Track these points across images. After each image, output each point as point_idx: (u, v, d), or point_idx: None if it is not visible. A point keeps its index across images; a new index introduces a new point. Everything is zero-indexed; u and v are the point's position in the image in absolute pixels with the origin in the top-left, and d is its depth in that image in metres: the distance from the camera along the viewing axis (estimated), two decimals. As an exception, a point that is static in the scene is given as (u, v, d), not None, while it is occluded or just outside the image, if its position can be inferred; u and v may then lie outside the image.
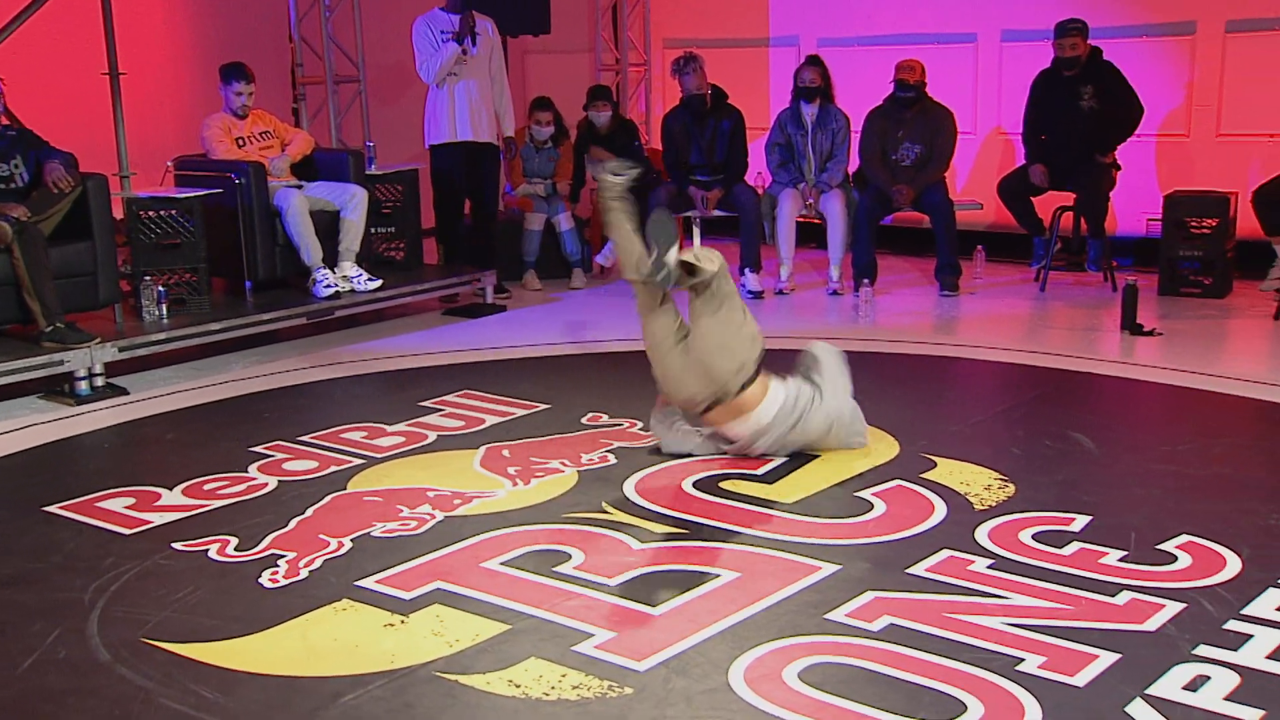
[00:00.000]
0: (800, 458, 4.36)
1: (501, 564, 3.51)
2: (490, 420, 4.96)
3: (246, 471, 4.39)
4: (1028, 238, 7.73)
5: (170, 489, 4.21)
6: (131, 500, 4.11)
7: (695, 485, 4.14)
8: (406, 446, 4.65)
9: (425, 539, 3.71)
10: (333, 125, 8.08)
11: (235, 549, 3.67)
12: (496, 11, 7.78)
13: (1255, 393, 5.17)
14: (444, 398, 5.31)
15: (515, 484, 4.20)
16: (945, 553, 3.53)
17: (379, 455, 4.55)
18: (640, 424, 4.80)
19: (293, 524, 3.87)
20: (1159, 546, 3.54)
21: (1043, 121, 7.47)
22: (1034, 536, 3.63)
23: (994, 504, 3.90)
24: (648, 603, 3.23)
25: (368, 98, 8.24)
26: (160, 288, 6.09)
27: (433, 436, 4.77)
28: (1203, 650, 2.92)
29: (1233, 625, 3.06)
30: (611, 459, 4.44)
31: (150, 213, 6.14)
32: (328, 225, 6.72)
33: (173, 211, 6.15)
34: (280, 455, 4.57)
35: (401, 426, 4.90)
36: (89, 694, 2.84)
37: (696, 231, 8.02)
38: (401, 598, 3.30)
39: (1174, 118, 7.90)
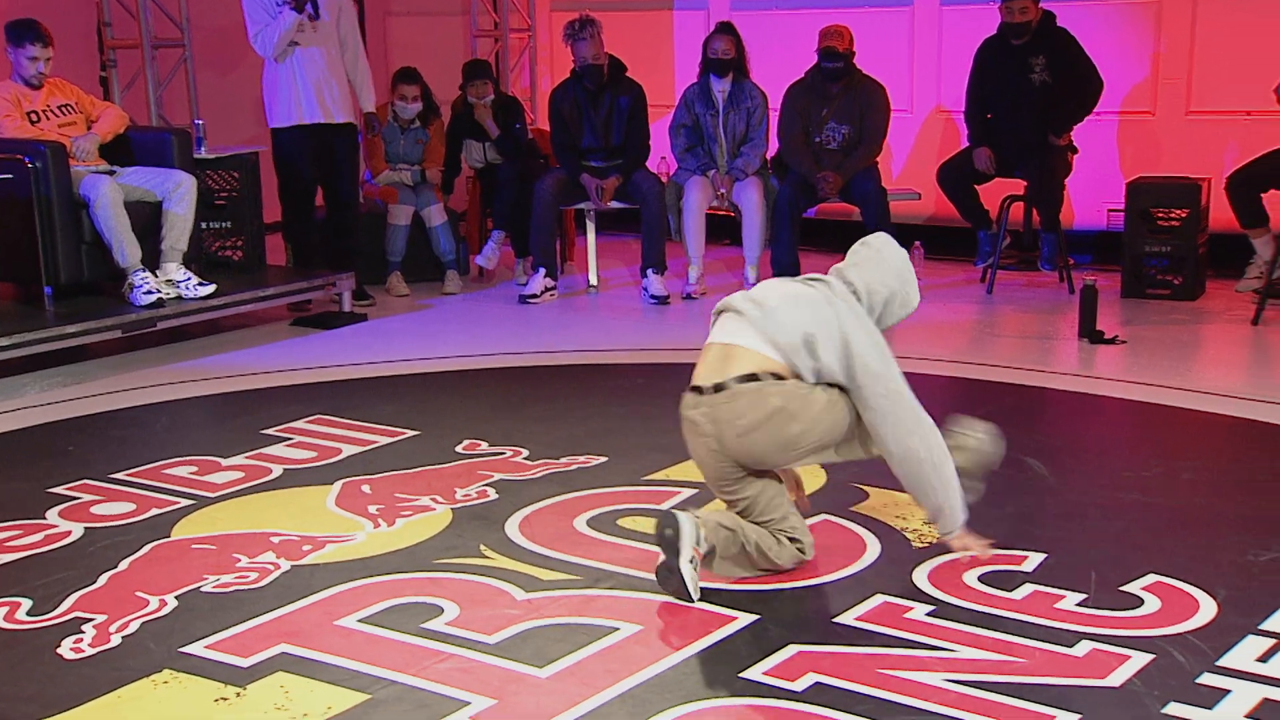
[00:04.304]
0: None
1: (360, 621, 3.48)
2: (348, 450, 4.93)
3: (44, 518, 4.29)
4: (972, 232, 7.88)
5: (-51, 540, 4.11)
6: (-99, 555, 4.01)
7: (589, 524, 4.15)
8: (246, 483, 4.60)
9: (268, 593, 3.67)
10: (151, 99, 7.94)
11: (28, 613, 3.58)
12: (350, -37, 7.72)
13: (1232, 409, 5.32)
14: (292, 424, 5.26)
15: (377, 525, 4.17)
16: (879, 598, 3.58)
17: (211, 494, 4.49)
18: (526, 452, 4.80)
19: (103, 580, 3.79)
20: (1123, 588, 3.62)
21: (988, 98, 7.63)
22: (980, 578, 3.70)
23: (935, 541, 3.94)
24: (534, 663, 3.23)
25: (194, 65, 8.12)
26: (-67, 295, 5.96)
27: (278, 471, 4.72)
28: (1174, 709, 2.99)
29: (1208, 679, 3.13)
30: (491, 494, 4.43)
31: (-81, 203, 6.00)
32: (148, 219, 6.62)
33: (-53, 202, 6.03)
34: (88, 497, 4.49)
35: (240, 459, 4.85)
36: None
37: (590, 227, 8.05)
38: (238, 665, 3.26)
39: (1138, 93, 8.13)
